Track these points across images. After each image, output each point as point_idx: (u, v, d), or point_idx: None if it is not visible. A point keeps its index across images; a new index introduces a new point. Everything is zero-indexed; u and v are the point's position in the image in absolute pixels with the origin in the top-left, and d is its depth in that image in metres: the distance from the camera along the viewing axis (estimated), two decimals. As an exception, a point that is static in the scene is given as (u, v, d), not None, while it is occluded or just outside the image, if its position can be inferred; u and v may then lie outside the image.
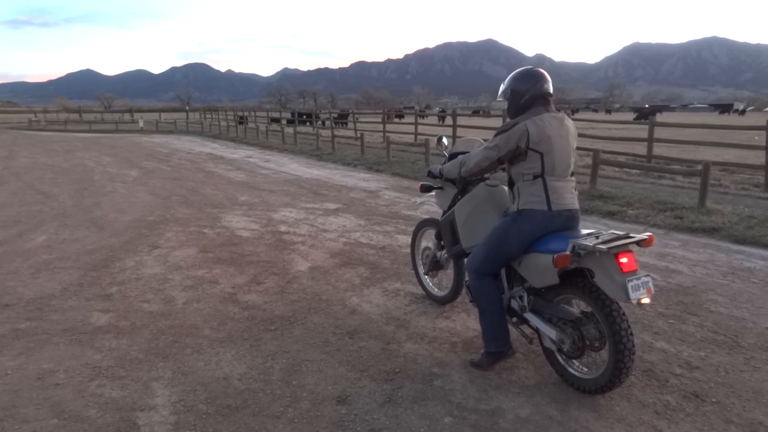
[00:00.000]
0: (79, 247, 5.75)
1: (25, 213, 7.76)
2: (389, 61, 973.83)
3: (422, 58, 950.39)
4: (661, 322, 3.65)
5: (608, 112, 78.32)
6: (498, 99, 2.94)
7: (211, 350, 3.30)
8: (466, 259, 3.23)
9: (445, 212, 3.57)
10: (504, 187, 3.16)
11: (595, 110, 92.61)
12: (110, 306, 4.05)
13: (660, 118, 35.88)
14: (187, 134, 29.78)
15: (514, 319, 3.04)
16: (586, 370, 2.79)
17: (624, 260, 2.40)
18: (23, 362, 3.16)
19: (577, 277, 2.60)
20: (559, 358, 2.84)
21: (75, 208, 8.12)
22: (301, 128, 25.79)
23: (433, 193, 3.75)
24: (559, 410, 2.62)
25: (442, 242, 3.69)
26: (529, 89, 2.76)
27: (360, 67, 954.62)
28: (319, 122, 30.87)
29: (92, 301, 4.15)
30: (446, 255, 3.75)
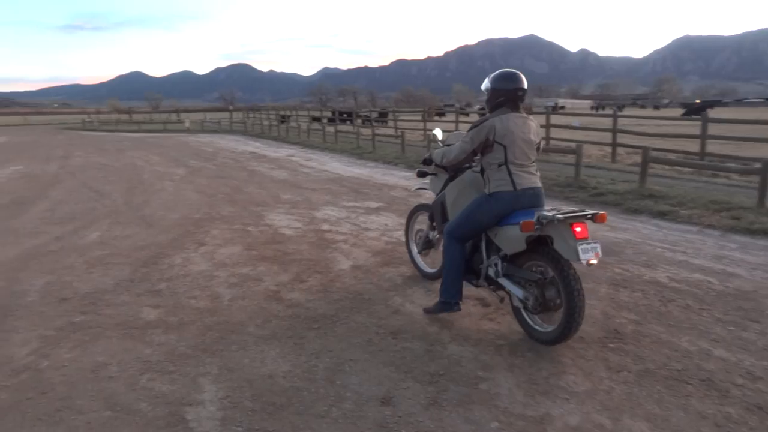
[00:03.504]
0: (130, 244, 5.93)
1: (80, 210, 8.08)
2: (429, 59, 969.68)
3: (462, 56, 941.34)
4: (719, 329, 3.48)
5: (656, 107, 75.69)
6: (482, 89, 3.51)
7: (256, 347, 3.34)
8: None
9: (437, 195, 4.14)
10: None
11: (642, 106, 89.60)
12: (159, 302, 4.15)
13: (713, 113, 34.44)
14: (231, 133, 30.44)
15: (492, 287, 3.61)
16: (545, 325, 3.30)
17: (578, 229, 2.96)
18: (79, 355, 3.28)
19: (540, 245, 3.16)
20: (525, 315, 3.36)
21: (126, 205, 8.40)
22: (341, 127, 25.98)
23: (428, 179, 4.38)
24: (612, 419, 2.53)
25: (434, 224, 4.26)
26: (506, 90, 3.36)
27: (400, 65, 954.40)
28: (359, 120, 31.00)
29: (143, 297, 4.27)
30: (437, 234, 4.25)
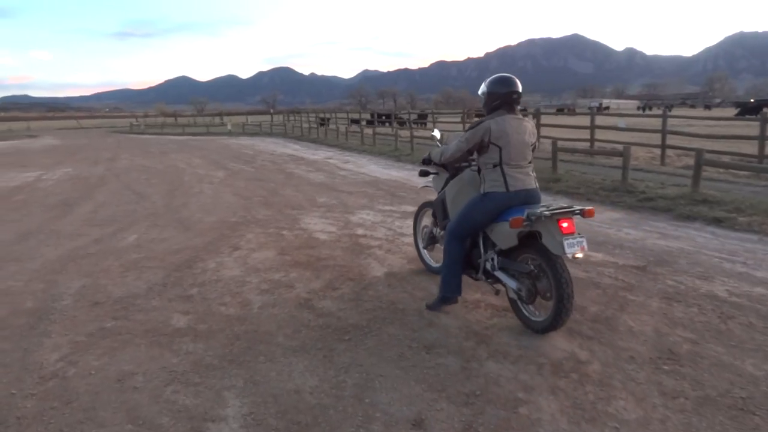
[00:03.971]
0: (166, 247, 5.95)
1: (120, 212, 8.21)
2: (469, 60, 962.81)
3: (503, 56, 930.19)
4: (788, 351, 3.15)
5: (707, 107, 72.47)
6: (479, 93, 3.64)
7: (283, 359, 3.22)
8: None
9: (439, 193, 4.38)
10: None
11: (692, 106, 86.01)
12: (190, 308, 4.09)
13: (769, 113, 32.73)
14: (271, 136, 30.81)
15: (489, 280, 3.78)
16: (537, 314, 3.49)
17: (564, 225, 3.13)
18: (106, 363, 3.23)
19: (532, 239, 3.33)
20: (520, 306, 3.56)
21: (165, 208, 8.50)
22: (380, 129, 25.90)
23: (430, 178, 4.63)
24: (667, 453, 2.28)
25: (437, 220, 4.45)
26: (501, 93, 3.50)
27: (440, 66, 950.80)
28: (396, 122, 30.88)
29: (174, 302, 4.22)
30: (440, 231, 4.40)
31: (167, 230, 6.84)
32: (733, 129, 15.71)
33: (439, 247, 4.48)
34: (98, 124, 68.21)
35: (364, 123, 31.07)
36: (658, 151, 13.31)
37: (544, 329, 3.38)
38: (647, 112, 55.75)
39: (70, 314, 4.02)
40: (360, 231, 6.46)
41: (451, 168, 4.12)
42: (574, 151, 12.63)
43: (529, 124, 3.57)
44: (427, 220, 4.85)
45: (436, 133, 4.84)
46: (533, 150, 3.59)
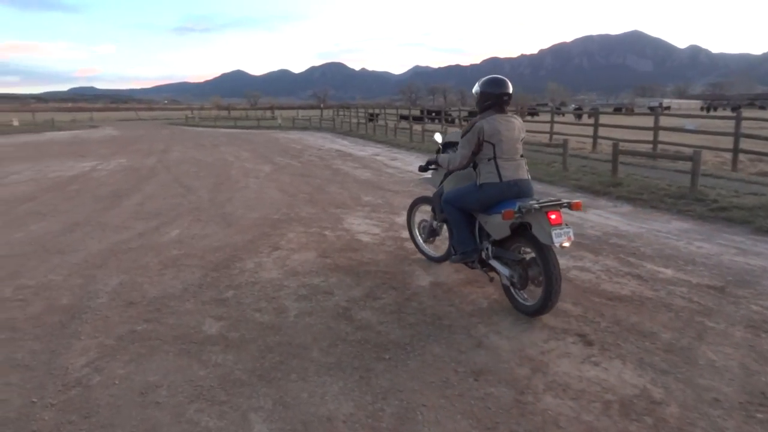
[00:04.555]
0: (206, 244, 5.81)
1: (166, 206, 8.20)
2: (522, 57, 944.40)
3: (558, 53, 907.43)
4: None
5: (778, 108, 67.93)
6: (473, 92, 3.99)
7: (317, 378, 2.95)
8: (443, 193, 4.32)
9: (437, 187, 4.65)
10: None
11: (762, 107, 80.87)
12: (224, 312, 3.89)
13: None
14: (320, 131, 30.88)
15: (484, 269, 4.11)
16: (529, 299, 3.78)
17: (553, 216, 3.41)
18: (131, 371, 3.04)
19: (524, 230, 3.61)
20: (513, 292, 3.84)
21: (210, 202, 8.44)
22: (429, 126, 25.47)
23: (429, 173, 4.87)
24: None
25: (435, 213, 4.79)
26: (493, 94, 3.86)
27: (492, 63, 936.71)
28: (445, 120, 30.32)
29: (208, 306, 4.03)
30: (439, 222, 4.77)
31: (209, 226, 6.73)
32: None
33: (440, 239, 5.00)
34: (156, 116, 70.57)
35: (411, 120, 30.70)
36: (728, 156, 12.37)
37: (535, 312, 3.64)
38: (711, 112, 52.88)
39: (103, 314, 3.89)
40: (405, 234, 6.13)
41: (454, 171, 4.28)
42: (636, 153, 11.89)
43: (518, 121, 3.91)
44: (421, 215, 5.21)
45: (438, 138, 4.97)
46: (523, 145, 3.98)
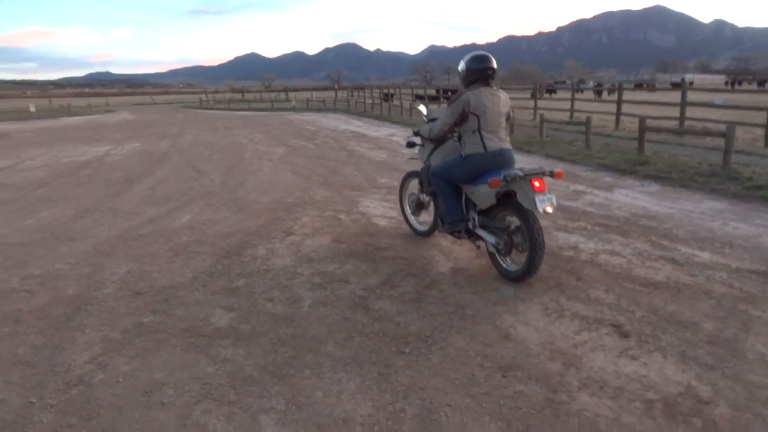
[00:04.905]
0: (217, 230, 5.63)
1: (178, 190, 8.04)
2: (540, 35, 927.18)
3: (577, 29, 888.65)
4: None
5: (806, 82, 65.51)
6: (458, 70, 4.14)
7: (332, 375, 2.75)
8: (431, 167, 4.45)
9: (425, 162, 4.74)
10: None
11: (788, 81, 78.16)
12: (234, 303, 3.71)
13: None
14: (334, 112, 30.55)
15: (471, 238, 4.25)
16: (513, 264, 3.93)
17: (536, 184, 3.58)
18: (136, 368, 2.88)
19: (509, 199, 3.79)
20: (498, 258, 3.98)
21: (222, 186, 8.26)
22: (438, 106, 25.00)
23: (417, 149, 5.01)
24: None
25: (423, 187, 4.84)
26: (477, 69, 3.99)
27: (508, 41, 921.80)
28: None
29: (218, 295, 3.85)
30: (426, 197, 4.86)
31: (221, 211, 6.55)
32: None
33: (426, 213, 5.12)
34: (171, 100, 70.66)
35: (427, 99, 30.20)
36: (759, 132, 11.84)
37: (520, 277, 3.80)
38: (736, 87, 51.34)
39: (110, 305, 3.73)
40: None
41: (434, 140, 4.46)
42: (663, 130, 11.45)
43: (503, 95, 4.04)
44: (412, 189, 5.26)
45: (422, 109, 5.20)
46: (507, 119, 4.11)
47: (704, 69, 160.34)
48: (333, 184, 8.15)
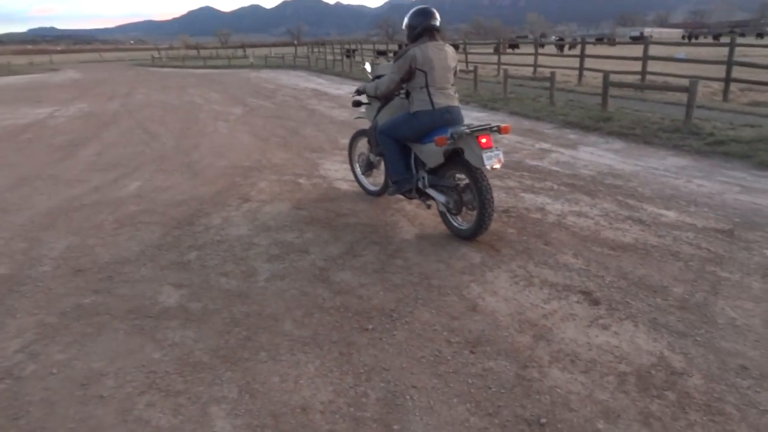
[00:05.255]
0: (168, 198, 5.29)
1: (127, 154, 7.56)
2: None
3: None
4: None
5: (759, 36, 66.87)
6: (403, 27, 4.02)
7: (290, 357, 2.56)
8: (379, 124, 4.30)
9: (372, 121, 4.56)
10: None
11: (742, 34, 79.54)
12: (185, 278, 3.45)
13: (834, 42, 29.67)
14: (294, 69, 29.55)
15: (422, 198, 4.17)
16: (464, 223, 3.92)
17: (483, 140, 3.49)
18: (73, 356, 2.62)
19: (457, 157, 3.70)
20: (449, 217, 3.97)
21: (175, 150, 7.81)
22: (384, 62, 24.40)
23: (363, 108, 4.76)
24: None
25: (371, 146, 4.69)
26: (420, 24, 3.86)
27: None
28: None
29: (167, 271, 3.58)
30: (376, 156, 4.73)
31: (173, 176, 6.17)
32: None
33: (377, 172, 4.97)
34: (121, 57, 67.22)
35: (391, 55, 29.51)
36: (717, 86, 11.95)
37: (472, 234, 3.79)
38: (693, 41, 51.98)
39: (46, 285, 3.42)
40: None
41: (382, 97, 4.23)
42: (626, 85, 11.42)
43: (450, 50, 3.90)
44: (361, 149, 5.11)
45: (367, 67, 5.01)
46: (455, 74, 3.96)
47: (662, 23, 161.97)
48: (292, 145, 7.80)
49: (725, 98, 10.84)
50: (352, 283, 3.31)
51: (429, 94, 3.79)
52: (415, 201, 4.45)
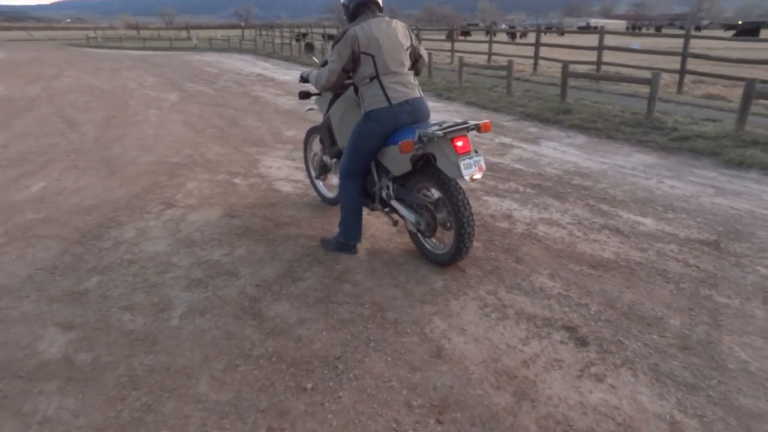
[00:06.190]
0: (76, 203, 4.49)
1: (37, 147, 6.60)
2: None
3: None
4: None
5: (698, 29, 69.24)
6: (341, 5, 3.23)
7: (201, 437, 1.93)
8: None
9: (324, 115, 3.76)
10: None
11: (681, 27, 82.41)
12: (77, 316, 2.74)
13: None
14: (240, 52, 28.18)
15: (386, 209, 3.39)
16: (440, 246, 3.23)
17: (459, 144, 2.82)
18: None
19: (427, 165, 3.02)
20: (420, 238, 3.26)
21: (95, 141, 6.90)
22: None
23: (313, 99, 3.92)
24: None
25: (324, 145, 3.92)
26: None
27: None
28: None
29: (56, 305, 2.86)
30: (329, 157, 3.95)
31: (87, 175, 5.34)
32: (755, 53, 14.27)
33: (333, 176, 4.20)
34: (54, 36, 62.94)
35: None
36: (668, 77, 11.84)
37: (449, 260, 3.12)
38: (636, 32, 53.28)
39: None
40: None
41: (324, 91, 3.40)
42: (588, 76, 11.16)
43: (400, 25, 3.12)
44: (317, 147, 4.33)
45: (314, 49, 4.11)
46: (416, 60, 3.20)
47: (607, 14, 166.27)
48: (230, 138, 7.04)
49: (680, 90, 10.73)
50: (290, 319, 2.70)
51: (382, 86, 2.98)
52: (377, 212, 3.78)
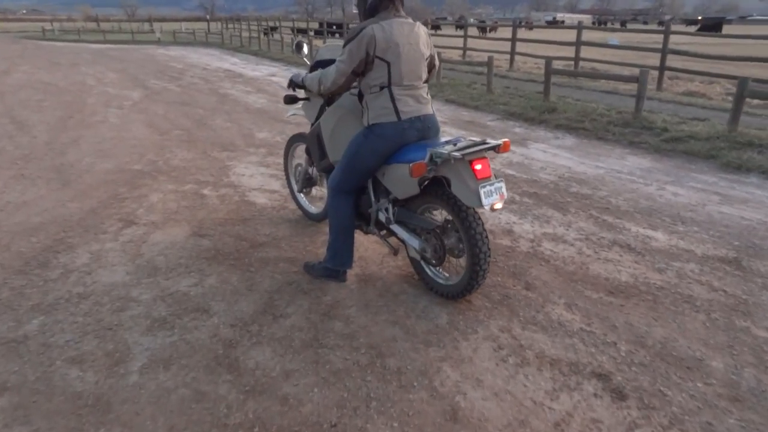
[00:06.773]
0: (21, 220, 3.94)
1: (-20, 153, 5.96)
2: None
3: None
4: None
5: (661, 24, 70.58)
6: (353, 10, 3.49)
7: None
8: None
9: (312, 124, 3.35)
10: None
11: (645, 22, 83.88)
12: (12, 373, 2.25)
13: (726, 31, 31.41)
14: (207, 46, 27.25)
15: (383, 232, 3.00)
16: (448, 276, 2.87)
17: (478, 167, 2.42)
18: None
19: (437, 186, 2.62)
20: (425, 267, 2.89)
21: (46, 146, 6.28)
22: (331, 41, 23.07)
23: (300, 104, 3.48)
24: None
25: (310, 156, 3.56)
26: None
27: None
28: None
29: (-14, 358, 2.36)
30: (316, 170, 3.54)
31: (35, 186, 4.77)
32: (726, 48, 14.30)
33: (318, 190, 3.88)
34: (7, 29, 60.14)
35: (311, 33, 27.98)
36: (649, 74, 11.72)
37: (457, 294, 2.73)
38: (601, 27, 53.99)
39: None
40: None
41: (327, 95, 2.98)
42: (575, 74, 10.93)
43: (423, 31, 2.67)
44: (300, 158, 3.90)
45: (305, 48, 3.63)
46: (431, 71, 2.81)
47: (572, 9, 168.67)
48: (198, 141, 6.51)
49: (659, 87, 10.59)
50: (273, 371, 2.27)
51: (392, 98, 2.57)
52: (373, 237, 3.33)
